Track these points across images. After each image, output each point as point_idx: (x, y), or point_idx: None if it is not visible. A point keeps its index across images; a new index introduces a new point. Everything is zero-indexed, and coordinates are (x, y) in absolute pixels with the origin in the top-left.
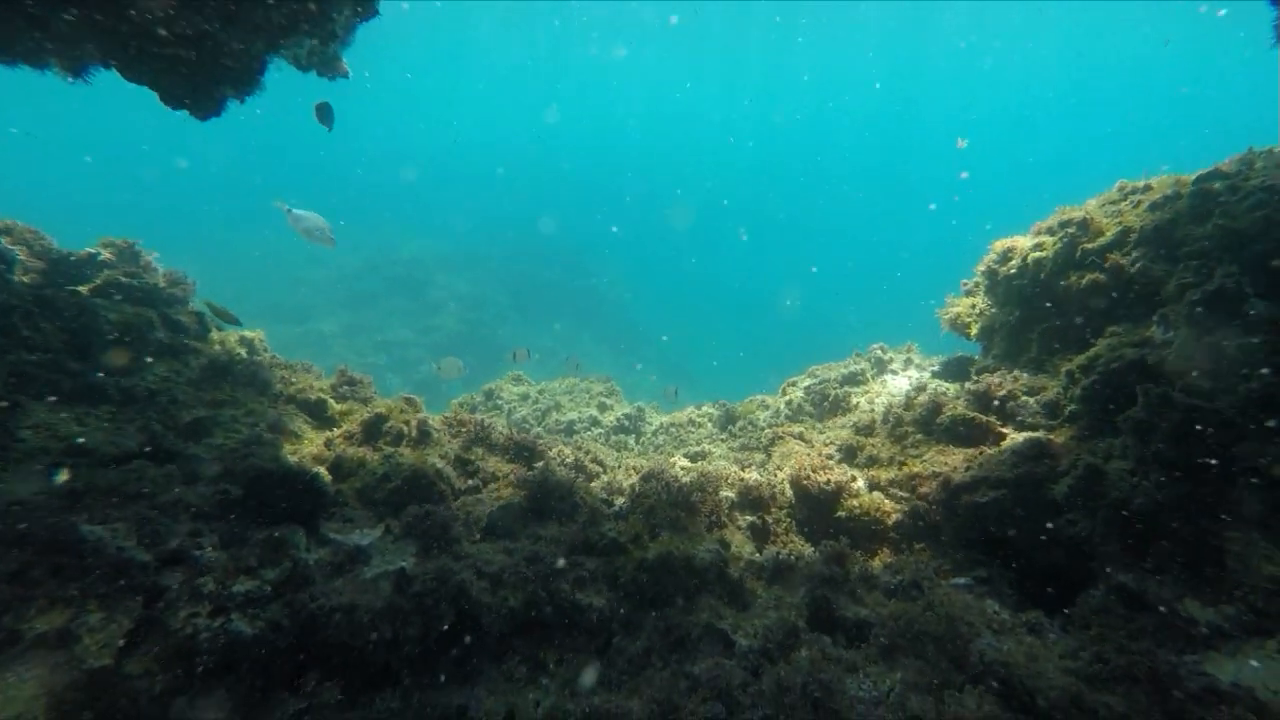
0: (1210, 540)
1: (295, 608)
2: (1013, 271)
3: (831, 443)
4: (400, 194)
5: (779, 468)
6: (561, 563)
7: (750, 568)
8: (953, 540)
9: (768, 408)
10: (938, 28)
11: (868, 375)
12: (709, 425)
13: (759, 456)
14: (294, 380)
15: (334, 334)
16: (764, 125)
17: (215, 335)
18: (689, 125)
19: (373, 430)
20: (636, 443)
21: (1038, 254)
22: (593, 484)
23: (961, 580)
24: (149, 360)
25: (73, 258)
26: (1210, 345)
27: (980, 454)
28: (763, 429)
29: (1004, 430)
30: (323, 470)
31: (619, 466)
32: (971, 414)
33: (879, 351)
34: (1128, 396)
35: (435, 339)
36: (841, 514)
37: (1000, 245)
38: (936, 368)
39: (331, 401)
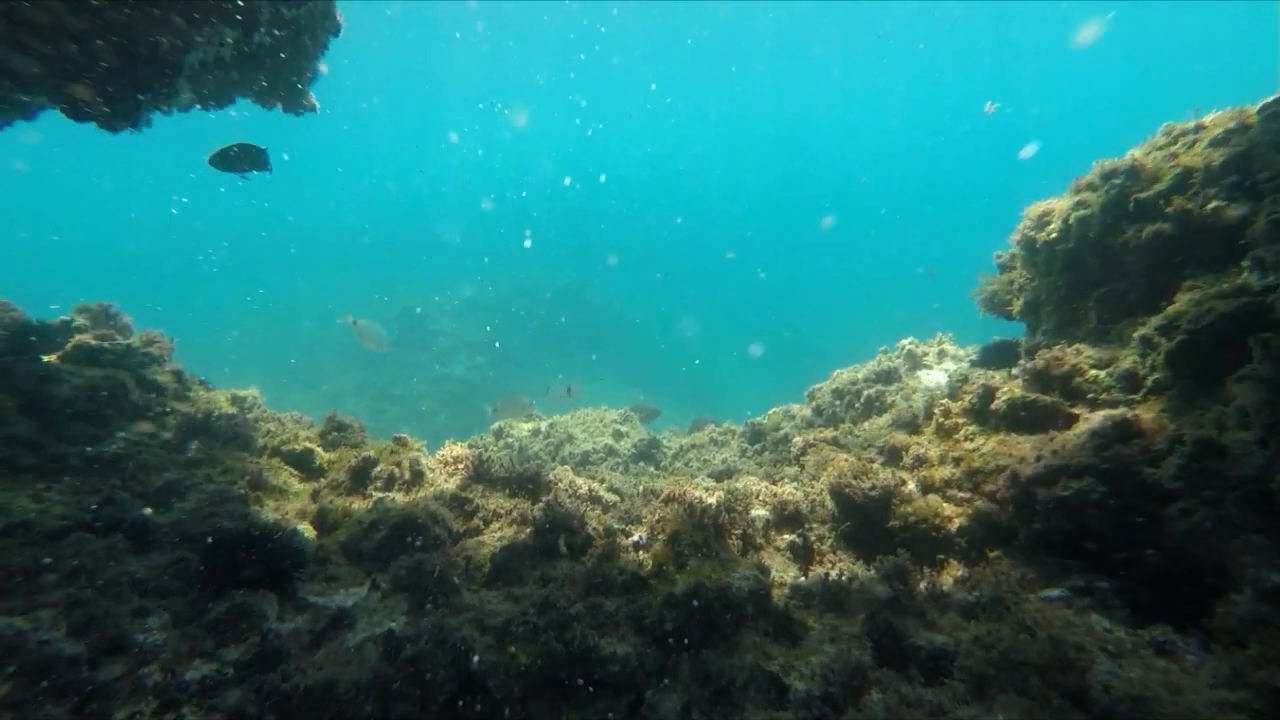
0: None
1: (264, 692)
2: (1053, 235)
3: (870, 445)
4: (404, 248)
5: (815, 477)
6: (577, 607)
7: (796, 594)
8: (1033, 544)
9: (793, 417)
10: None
11: (900, 372)
12: (734, 443)
13: (791, 469)
14: (279, 432)
15: (347, 392)
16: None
17: (202, 394)
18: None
19: (361, 476)
20: (656, 469)
21: (1081, 212)
22: (608, 514)
23: (1054, 592)
24: (119, 424)
25: (42, 326)
26: None
27: (1051, 440)
28: (792, 439)
29: (1074, 411)
30: (305, 525)
31: (636, 493)
32: (1032, 395)
33: (909, 345)
34: (1230, 355)
35: (448, 388)
36: (894, 523)
37: (1034, 209)
38: (975, 356)
39: (319, 450)
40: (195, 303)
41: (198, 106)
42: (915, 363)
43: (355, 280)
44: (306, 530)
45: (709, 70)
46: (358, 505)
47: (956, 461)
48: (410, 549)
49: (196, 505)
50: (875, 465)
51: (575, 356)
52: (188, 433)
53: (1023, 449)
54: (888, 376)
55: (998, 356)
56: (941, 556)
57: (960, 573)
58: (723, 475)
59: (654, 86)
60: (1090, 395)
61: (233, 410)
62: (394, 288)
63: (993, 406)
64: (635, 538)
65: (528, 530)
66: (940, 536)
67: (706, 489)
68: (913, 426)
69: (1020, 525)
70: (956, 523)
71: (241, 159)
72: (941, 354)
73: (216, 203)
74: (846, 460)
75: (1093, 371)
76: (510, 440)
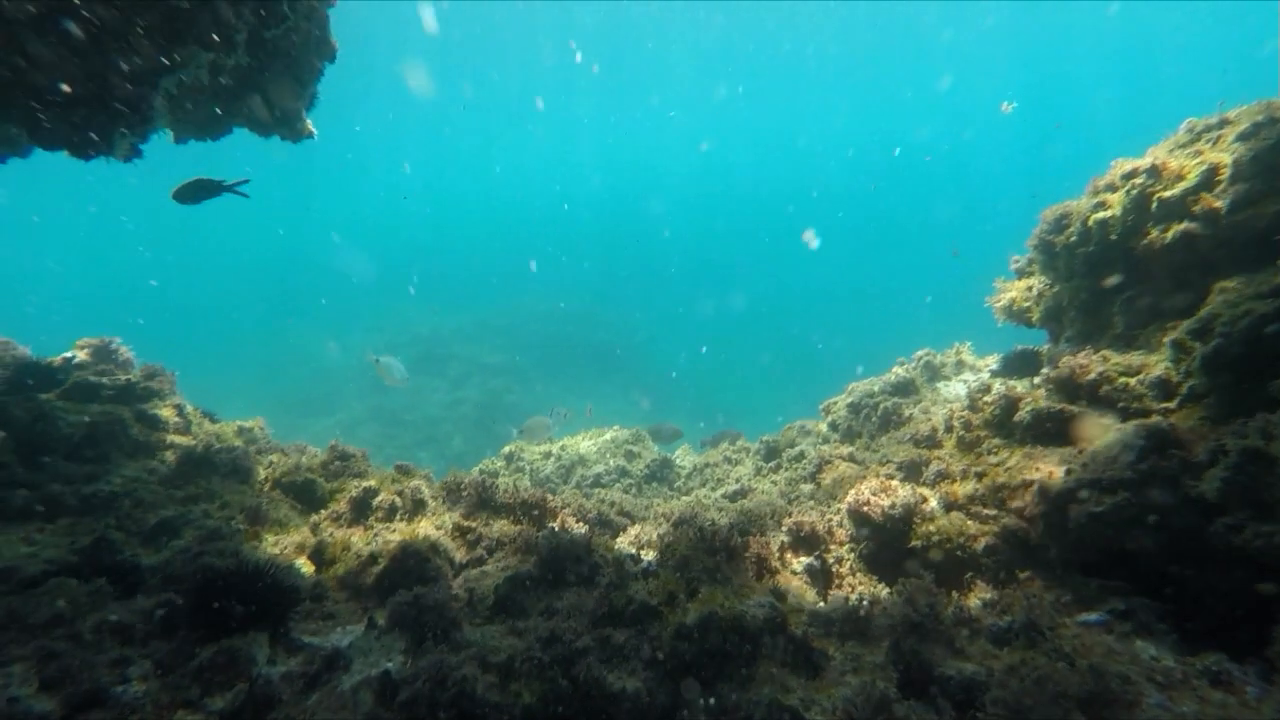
0: None
1: None
2: (1073, 239)
3: (889, 460)
4: (412, 270)
5: (832, 496)
6: (584, 640)
7: (815, 620)
8: (1066, 563)
9: (809, 433)
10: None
11: (918, 384)
12: (748, 461)
13: (807, 487)
14: (280, 463)
15: (361, 419)
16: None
17: (207, 426)
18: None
19: (362, 507)
20: (670, 490)
21: (1101, 214)
22: (619, 539)
23: (1093, 616)
24: (118, 461)
25: (42, 364)
26: None
27: (1080, 453)
28: (807, 455)
29: (1103, 420)
30: (303, 560)
31: (647, 516)
32: (1058, 405)
33: (927, 356)
34: (1272, 358)
35: (463, 411)
36: (917, 543)
37: (1051, 212)
38: (995, 366)
39: (321, 481)
40: (210, 332)
41: (191, 139)
42: (933, 374)
43: (368, 306)
44: (304, 565)
45: (702, 85)
46: (358, 537)
47: (980, 476)
48: (410, 582)
49: (187, 544)
50: (894, 482)
51: (588, 376)
52: (187, 467)
53: (1050, 462)
54: (905, 388)
55: (1020, 366)
56: (969, 577)
57: (989, 595)
58: (737, 495)
59: (673, 113)
60: (1121, 404)
61: (238, 442)
62: (404, 314)
63: (1016, 418)
64: (644, 564)
65: (532, 559)
66: (966, 556)
67: (720, 509)
68: (932, 440)
69: (1052, 544)
70: (983, 541)
71: (201, 190)
72: (960, 364)
73: (234, 233)
74: (864, 477)
75: (1122, 379)
76: (522, 464)
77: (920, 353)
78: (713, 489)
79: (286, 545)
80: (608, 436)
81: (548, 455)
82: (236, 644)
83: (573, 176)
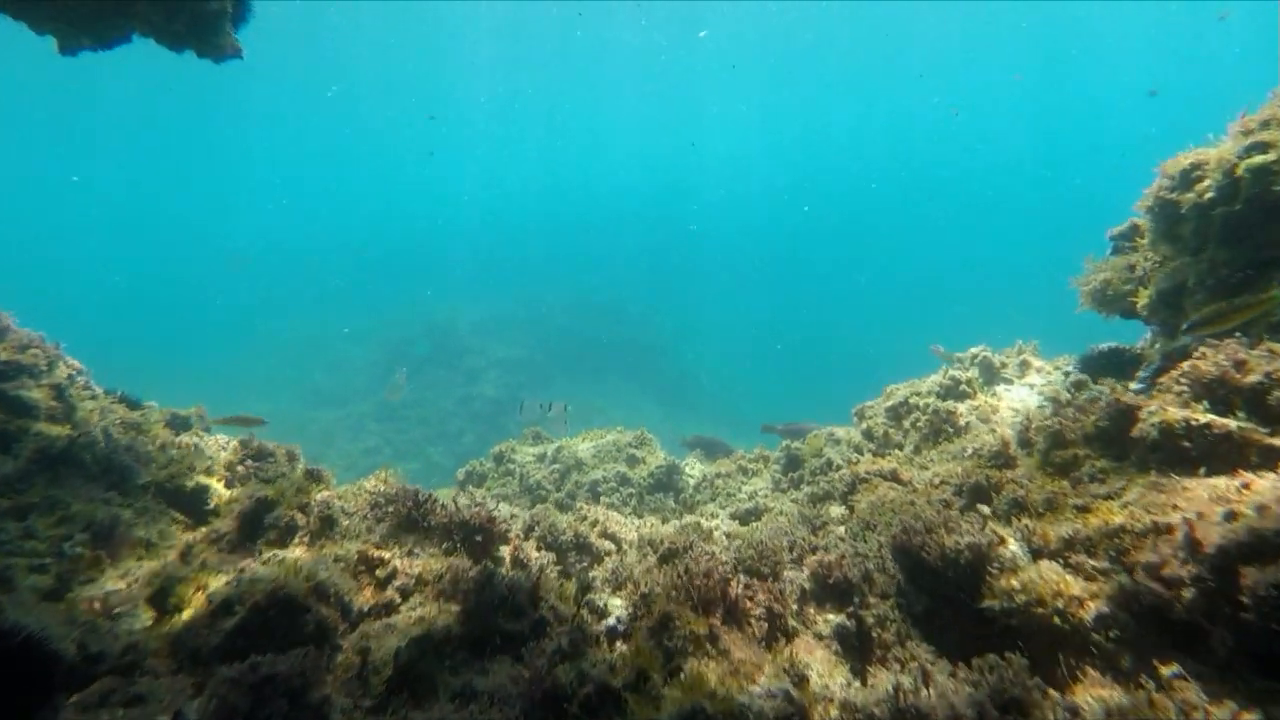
0: None
1: None
2: (1210, 196)
3: (944, 482)
4: (430, 260)
5: (869, 525)
6: None
7: (851, 718)
8: (1234, 655)
9: (839, 441)
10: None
11: (975, 385)
12: (766, 472)
13: (836, 509)
14: (181, 459)
15: (371, 413)
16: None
17: (119, 413)
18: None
19: (253, 524)
20: (676, 501)
21: (1257, 159)
22: (596, 570)
23: None
24: None
25: None
26: None
27: (1247, 487)
28: (836, 468)
29: (1275, 442)
30: (142, 605)
31: (634, 540)
32: (1203, 418)
33: (983, 353)
34: None
35: (476, 408)
36: (993, 603)
37: (1176, 164)
38: (1073, 366)
39: (218, 487)
40: (226, 322)
41: (82, 48)
42: (991, 375)
43: (381, 295)
44: (142, 613)
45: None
46: (229, 571)
47: (1080, 511)
48: (273, 643)
49: None
50: (954, 512)
51: (608, 374)
52: (37, 467)
53: (1197, 499)
54: (958, 391)
55: (1106, 366)
56: (1071, 664)
57: (1108, 694)
58: (749, 515)
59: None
60: None
61: (161, 434)
62: (422, 306)
63: (1135, 432)
64: (612, 620)
65: (453, 609)
66: (1068, 629)
67: (726, 533)
68: (1002, 458)
69: (1210, 623)
70: (1093, 608)
71: None
72: (1024, 365)
73: (249, 220)
74: (913, 504)
75: None
76: (512, 466)
77: (974, 349)
78: (722, 504)
79: (137, 578)
80: (609, 439)
81: (542, 457)
82: None
83: (608, 168)
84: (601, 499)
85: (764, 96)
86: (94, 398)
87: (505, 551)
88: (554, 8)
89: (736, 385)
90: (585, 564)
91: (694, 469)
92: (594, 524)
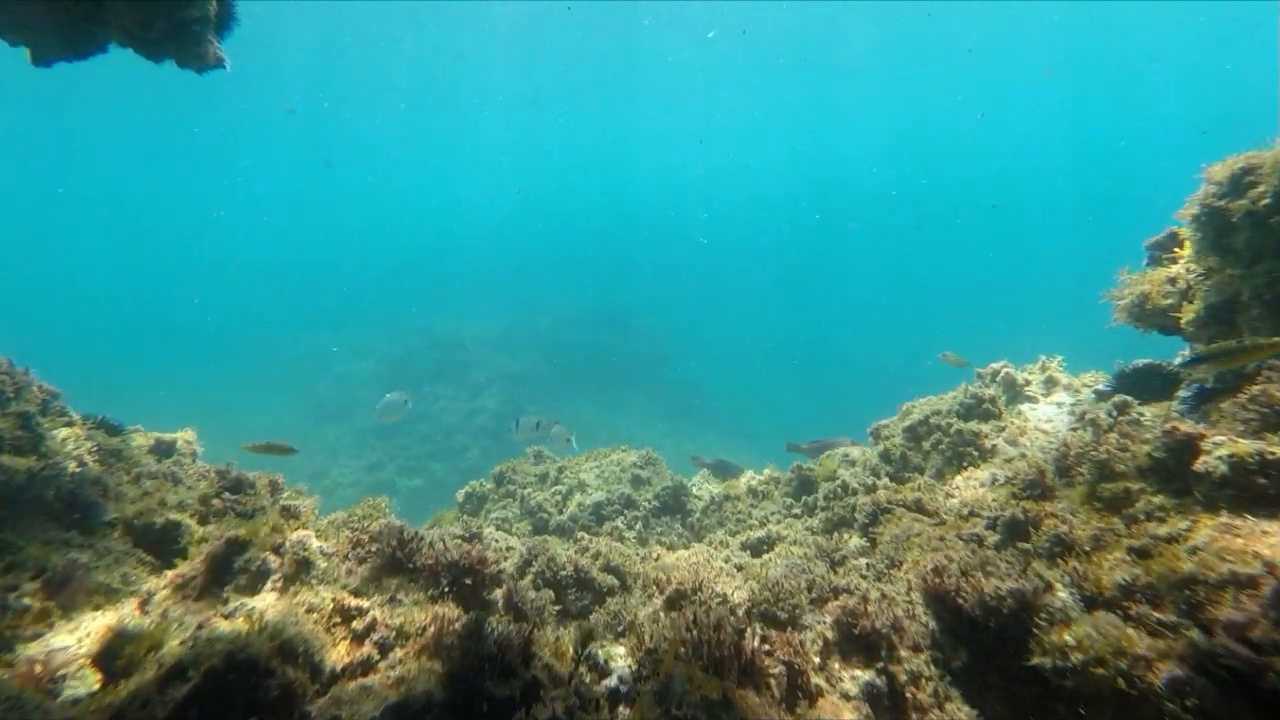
0: None
1: None
2: (1266, 203)
3: (975, 514)
4: (435, 272)
5: (893, 562)
6: None
7: None
8: None
9: (853, 462)
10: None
11: (999, 404)
12: (777, 495)
13: (854, 540)
14: (154, 493)
15: (375, 429)
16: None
17: (99, 439)
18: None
19: (222, 568)
20: (683, 525)
21: None
22: (596, 612)
23: None
24: None
25: None
26: None
27: None
28: (852, 491)
29: None
30: (88, 667)
31: (639, 577)
32: (1277, 450)
33: (1005, 369)
34: None
35: (480, 421)
36: (1044, 661)
37: (1224, 169)
38: (1104, 385)
39: (191, 524)
40: (226, 337)
41: (56, 59)
42: (1014, 393)
43: (385, 308)
44: (88, 676)
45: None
46: (189, 626)
47: (1139, 556)
48: (231, 713)
49: None
50: (990, 551)
51: (615, 388)
52: None
53: (1274, 542)
54: (980, 410)
55: (1140, 385)
56: None
57: None
58: (761, 545)
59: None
60: None
61: (146, 460)
62: (426, 319)
63: (1197, 466)
64: (614, 680)
65: (437, 670)
66: (1135, 694)
67: (738, 566)
68: (1039, 488)
69: None
70: (1164, 670)
71: None
72: (1050, 382)
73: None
74: (943, 541)
75: None
76: (513, 488)
77: (995, 365)
78: (731, 531)
79: (90, 632)
80: (613, 458)
81: (544, 478)
82: None
83: (615, 178)
84: (606, 523)
85: (778, 100)
86: (70, 424)
87: (498, 594)
88: (555, 8)
89: (748, 400)
90: (586, 601)
91: (702, 489)
92: (596, 556)
